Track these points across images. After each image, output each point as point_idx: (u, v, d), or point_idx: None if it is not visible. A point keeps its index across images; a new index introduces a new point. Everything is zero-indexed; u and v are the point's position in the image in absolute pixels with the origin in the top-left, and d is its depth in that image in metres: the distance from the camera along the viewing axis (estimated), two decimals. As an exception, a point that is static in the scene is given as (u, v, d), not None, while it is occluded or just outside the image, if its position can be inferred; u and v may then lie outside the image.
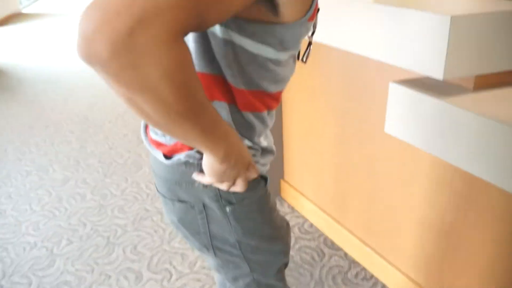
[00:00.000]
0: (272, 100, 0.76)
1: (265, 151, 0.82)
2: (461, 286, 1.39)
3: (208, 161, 0.68)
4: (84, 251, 1.99)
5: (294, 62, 0.77)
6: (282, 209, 2.20)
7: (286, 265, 1.00)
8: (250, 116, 0.73)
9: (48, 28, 7.41)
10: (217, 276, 1.32)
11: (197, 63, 0.68)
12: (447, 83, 1.10)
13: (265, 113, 0.76)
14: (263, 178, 0.83)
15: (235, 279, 0.93)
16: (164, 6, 0.46)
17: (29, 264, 1.92)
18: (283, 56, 0.69)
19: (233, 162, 0.68)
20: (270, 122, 0.80)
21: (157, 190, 0.86)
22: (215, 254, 0.87)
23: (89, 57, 0.46)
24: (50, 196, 2.43)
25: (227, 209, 0.79)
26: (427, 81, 1.12)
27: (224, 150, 0.65)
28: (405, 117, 1.30)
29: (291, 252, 1.91)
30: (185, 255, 1.92)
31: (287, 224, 0.96)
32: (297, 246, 1.95)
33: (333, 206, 1.92)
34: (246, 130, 0.75)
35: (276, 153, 2.11)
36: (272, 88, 0.73)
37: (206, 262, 1.87)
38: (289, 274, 1.80)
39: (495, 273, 1.26)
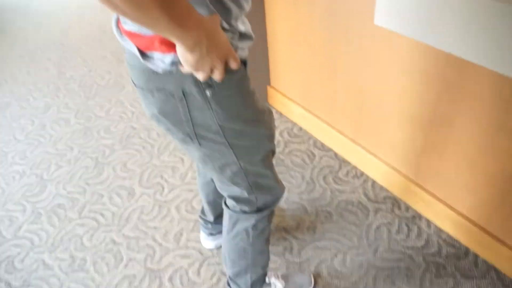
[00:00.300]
0: None
1: (243, 36, 0.80)
2: (451, 177, 1.39)
3: (179, 50, 0.67)
4: (74, 174, 1.97)
5: None
6: (270, 116, 2.16)
7: (273, 153, 1.01)
8: None
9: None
10: (200, 173, 1.31)
11: None
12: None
13: None
14: (241, 62, 0.81)
15: (222, 168, 0.93)
16: None
17: (21, 192, 1.91)
18: None
19: (204, 51, 0.68)
20: (246, 5, 0.77)
21: (134, 84, 0.84)
22: (199, 144, 0.87)
23: None
24: (33, 125, 2.37)
25: (207, 93, 0.77)
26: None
27: (194, 40, 0.64)
28: (396, 6, 1.22)
29: (281, 156, 1.90)
30: (175, 168, 1.91)
31: (269, 110, 0.95)
32: (287, 150, 1.93)
33: (322, 108, 1.88)
34: (222, 13, 0.72)
35: (261, 58, 2.03)
36: None
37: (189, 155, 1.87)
38: (281, 178, 1.80)
39: (484, 162, 1.25)
